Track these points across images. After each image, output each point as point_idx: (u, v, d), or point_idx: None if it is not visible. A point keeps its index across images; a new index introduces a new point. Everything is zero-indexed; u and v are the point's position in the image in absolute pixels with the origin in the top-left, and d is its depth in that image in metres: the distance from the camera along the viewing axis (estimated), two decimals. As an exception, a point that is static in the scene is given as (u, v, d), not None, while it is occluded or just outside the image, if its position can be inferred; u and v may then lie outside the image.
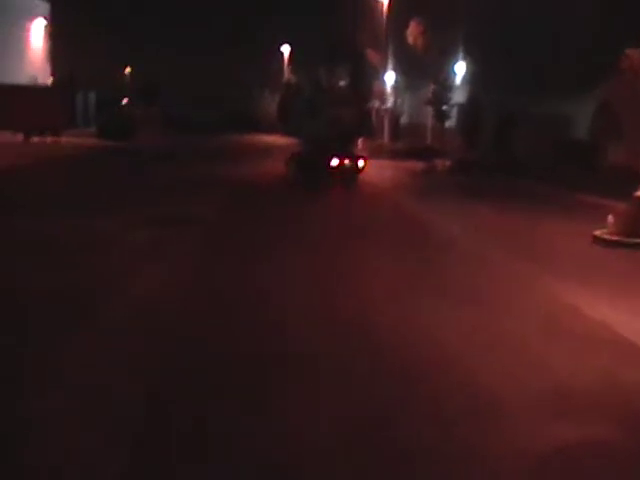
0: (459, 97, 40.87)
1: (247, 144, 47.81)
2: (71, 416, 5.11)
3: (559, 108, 32.51)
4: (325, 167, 23.41)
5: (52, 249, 11.13)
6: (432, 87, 41.18)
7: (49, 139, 39.96)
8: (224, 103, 68.38)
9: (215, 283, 9.41)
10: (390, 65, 49.96)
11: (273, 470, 4.51)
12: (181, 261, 10.56)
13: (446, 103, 40.77)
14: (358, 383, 5.90)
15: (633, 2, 25.91)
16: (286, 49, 69.66)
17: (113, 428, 4.96)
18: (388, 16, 48.70)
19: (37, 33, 54.69)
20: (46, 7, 55.75)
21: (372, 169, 26.53)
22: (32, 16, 53.39)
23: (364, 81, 48.26)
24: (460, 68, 41.58)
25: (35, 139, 39.70)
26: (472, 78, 40.48)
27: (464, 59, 41.13)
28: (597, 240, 13.42)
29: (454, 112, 41.04)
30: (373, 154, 32.97)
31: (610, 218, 13.74)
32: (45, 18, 55.27)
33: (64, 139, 40.17)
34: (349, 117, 26.65)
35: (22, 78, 45.58)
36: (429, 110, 42.93)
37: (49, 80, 53.45)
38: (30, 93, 41.62)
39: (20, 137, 39.48)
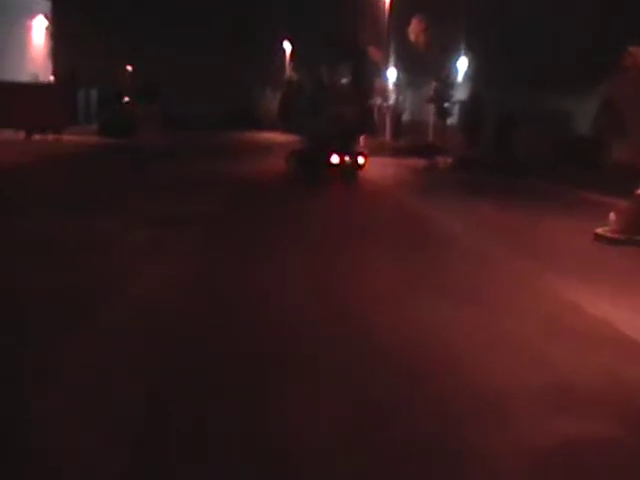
0: (461, 94, 40.82)
1: (248, 142, 47.81)
2: (71, 416, 5.10)
3: (561, 105, 32.47)
4: (325, 164, 23.45)
5: (52, 248, 11.13)
6: (434, 84, 41.15)
7: (50, 137, 39.95)
8: (225, 101, 68.36)
9: (215, 282, 9.40)
10: (392, 62, 49.90)
11: (273, 470, 4.49)
12: (182, 261, 10.54)
13: (448, 100, 40.74)
14: (358, 384, 5.88)
15: (633, 2, 25.89)
16: (287, 46, 69.64)
17: (113, 428, 4.95)
18: (390, 13, 48.63)
19: (38, 31, 54.67)
20: (47, 5, 55.73)
21: (374, 166, 26.51)
22: (33, 14, 53.37)
23: (366, 78, 48.29)
24: (462, 65, 41.53)
25: (37, 137, 39.70)
26: (474, 74, 40.42)
27: (466, 55, 41.07)
28: (599, 238, 13.40)
29: (456, 109, 41.00)
30: (375, 152, 32.94)
31: (612, 216, 13.72)
32: (46, 16, 55.25)
33: (65, 137, 40.16)
34: (351, 114, 26.64)
35: (23, 76, 45.55)
36: (431, 107, 42.89)
37: (50, 78, 53.42)
38: (31, 91, 41.57)
39: (22, 135, 39.49)
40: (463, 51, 41.03)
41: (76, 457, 4.55)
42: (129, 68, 67.72)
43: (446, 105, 40.87)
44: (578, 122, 32.57)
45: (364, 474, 4.49)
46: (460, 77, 41.61)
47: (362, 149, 26.43)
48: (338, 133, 24.66)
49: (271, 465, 4.55)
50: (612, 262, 11.75)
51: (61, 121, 41.57)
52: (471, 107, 38.27)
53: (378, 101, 49.47)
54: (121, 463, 4.51)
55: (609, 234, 13.40)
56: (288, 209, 16.95)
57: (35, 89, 42.95)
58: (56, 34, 55.07)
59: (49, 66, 55.47)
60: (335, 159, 23.62)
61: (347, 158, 23.96)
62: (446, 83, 40.71)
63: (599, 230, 13.59)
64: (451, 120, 41.60)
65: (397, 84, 50.46)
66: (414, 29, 42.60)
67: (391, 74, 50.03)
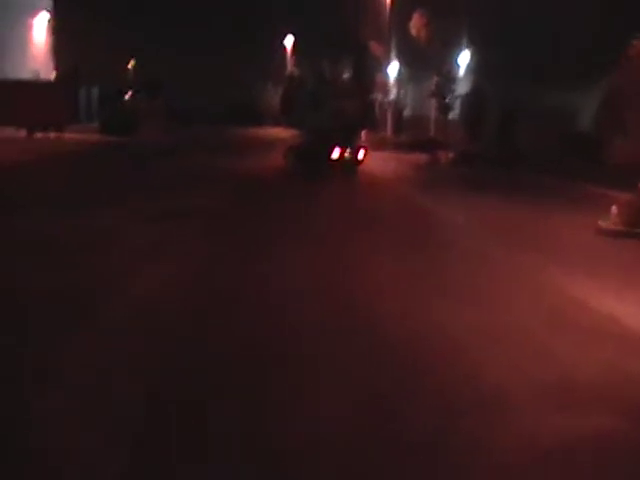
0: (462, 89, 40.77)
1: (250, 137, 47.80)
2: (71, 416, 5.08)
3: (563, 99, 32.42)
4: (325, 159, 23.35)
5: (53, 246, 11.14)
6: (435, 79, 41.12)
7: (52, 135, 39.92)
8: (225, 100, 68.38)
9: (216, 279, 9.40)
10: (393, 57, 49.85)
11: (273, 470, 4.46)
12: (182, 261, 10.50)
13: (449, 95, 40.70)
14: (361, 383, 5.85)
15: (633, 2, 25.88)
16: (288, 42, 69.59)
17: (113, 428, 4.94)
18: (391, 8, 48.60)
19: (40, 28, 54.65)
20: (49, 2, 55.72)
21: (375, 161, 26.50)
22: (35, 11, 53.34)
23: (367, 73, 48.26)
24: (464, 59, 41.47)
25: (38, 135, 39.68)
26: (476, 67, 40.38)
27: (468, 47, 41.01)
28: (601, 231, 13.39)
29: (457, 104, 40.96)
30: (376, 146, 32.93)
31: (614, 209, 13.70)
32: (48, 12, 55.23)
33: (67, 135, 40.13)
34: (352, 109, 26.61)
35: (25, 73, 45.54)
36: (432, 102, 42.85)
37: (52, 75, 53.39)
38: (33, 89, 41.51)
39: (23, 133, 39.47)
40: (465, 45, 40.97)
41: (76, 457, 4.52)
42: (132, 64, 67.70)
43: (447, 100, 40.83)
44: (580, 116, 32.52)
45: (368, 467, 4.47)
46: (462, 71, 41.56)
47: (363, 143, 26.38)
48: (340, 128, 24.62)
49: (273, 457, 4.53)
50: (614, 255, 11.74)
51: (63, 119, 41.53)
52: (473, 101, 38.23)
53: (379, 96, 49.42)
54: (121, 463, 4.49)
55: (611, 227, 13.39)
56: (290, 204, 16.92)
57: (37, 87, 42.89)
58: (58, 31, 55.05)
59: (51, 64, 55.45)
60: (335, 154, 23.57)
61: (347, 153, 23.92)
62: (447, 78, 40.70)
63: (601, 223, 13.58)
64: (453, 115, 41.56)
65: (398, 79, 50.41)
66: (415, 24, 42.58)
67: (392, 69, 49.97)
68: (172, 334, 6.98)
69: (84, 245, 11.39)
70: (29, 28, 52.91)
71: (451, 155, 31.98)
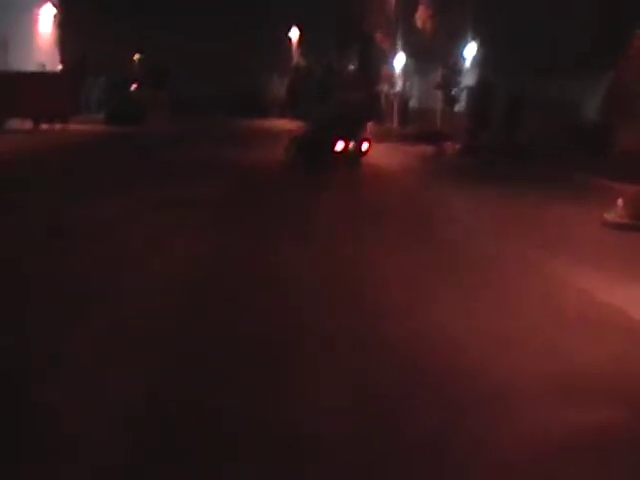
0: (468, 80, 40.68)
1: (256, 129, 47.72)
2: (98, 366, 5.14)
3: (568, 89, 32.33)
4: (329, 150, 23.20)
5: (69, 234, 11.43)
6: (441, 71, 41.03)
7: (58, 126, 39.95)
8: (232, 88, 68.40)
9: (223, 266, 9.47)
10: (399, 49, 49.74)
11: (274, 470, 4.42)
12: (181, 259, 10.52)
13: (455, 87, 40.60)
14: (364, 382, 5.88)
15: (633, 5, 25.86)
16: (295, 32, 69.44)
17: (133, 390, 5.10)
18: (397, 0, 48.48)
19: (45, 20, 54.60)
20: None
21: (381, 153, 26.47)
22: (41, 3, 53.30)
23: (373, 65, 48.20)
24: (469, 50, 41.36)
25: (44, 126, 39.71)
26: (482, 59, 40.27)
27: (474, 39, 40.89)
28: (607, 223, 13.39)
29: (463, 96, 40.87)
30: (382, 138, 32.90)
31: (620, 201, 13.70)
32: (54, 4, 55.18)
33: (72, 126, 40.16)
34: (358, 101, 26.59)
35: (31, 65, 45.53)
36: (438, 94, 42.75)
37: (58, 67, 53.38)
38: (39, 80, 41.53)
39: (29, 124, 39.50)
40: (470, 37, 40.86)
41: (76, 457, 4.44)
42: (137, 55, 67.71)
43: (453, 92, 40.74)
44: (585, 107, 32.46)
45: (371, 465, 4.51)
46: (468, 63, 41.47)
47: (367, 135, 26.30)
48: (346, 119, 24.53)
49: (274, 451, 4.56)
50: (621, 248, 11.73)
51: (68, 110, 41.58)
52: (479, 93, 38.15)
53: (385, 88, 49.37)
54: (121, 463, 4.45)
55: (617, 220, 13.38)
56: (296, 196, 16.91)
57: (42, 78, 42.91)
58: (64, 22, 54.98)
59: (56, 55, 55.42)
60: (340, 146, 23.43)
61: (351, 144, 23.81)
62: (453, 70, 40.58)
63: (607, 216, 13.58)
64: (459, 107, 41.47)
65: (404, 70, 50.31)
66: (421, 16, 42.53)
67: (399, 60, 49.86)
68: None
69: (99, 232, 11.70)
70: (35, 20, 52.84)
71: (457, 147, 31.97)
